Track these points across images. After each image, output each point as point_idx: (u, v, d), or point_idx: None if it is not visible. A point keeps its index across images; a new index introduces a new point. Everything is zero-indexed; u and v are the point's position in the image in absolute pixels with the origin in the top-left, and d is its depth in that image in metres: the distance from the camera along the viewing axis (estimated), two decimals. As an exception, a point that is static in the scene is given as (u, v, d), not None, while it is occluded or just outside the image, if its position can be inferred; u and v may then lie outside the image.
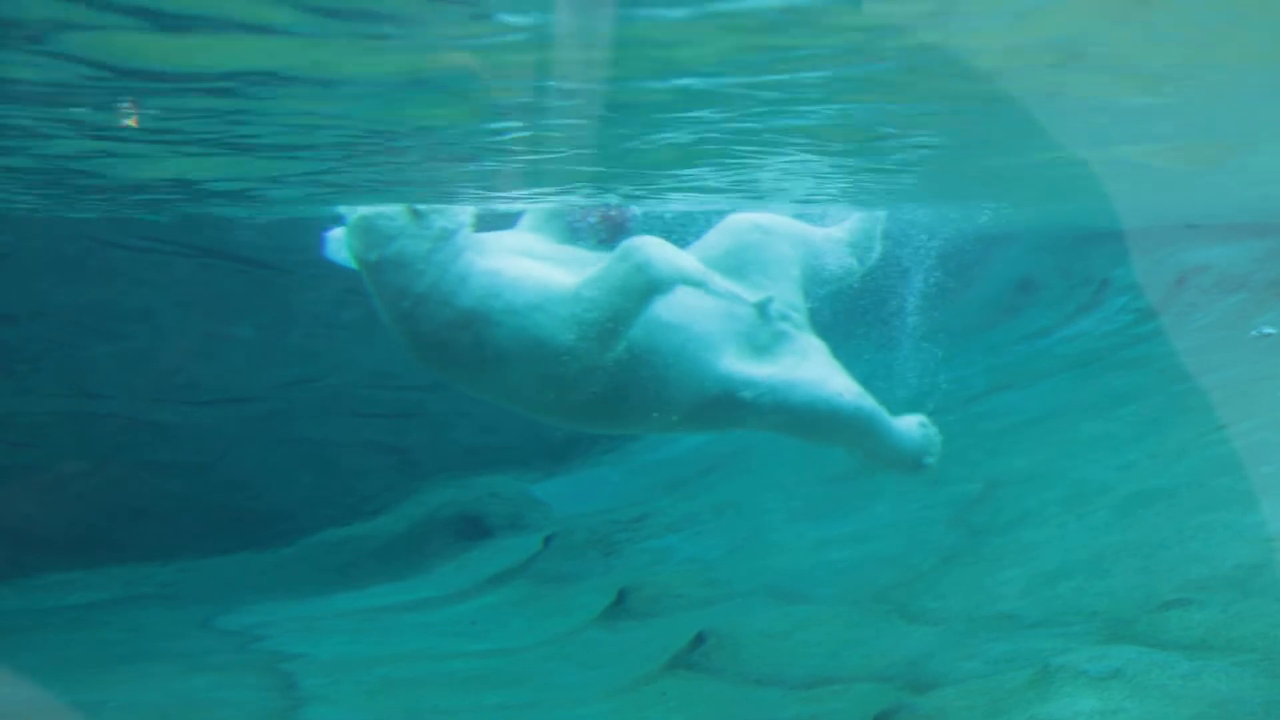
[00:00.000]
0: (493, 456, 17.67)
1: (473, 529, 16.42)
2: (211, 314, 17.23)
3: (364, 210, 7.56)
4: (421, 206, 7.54)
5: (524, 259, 7.64)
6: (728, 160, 8.14)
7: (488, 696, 10.27)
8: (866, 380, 8.49)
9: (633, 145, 7.27)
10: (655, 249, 7.43)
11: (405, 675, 11.08)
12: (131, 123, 6.26)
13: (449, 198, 9.09)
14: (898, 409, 8.72)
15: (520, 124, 6.48)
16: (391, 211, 7.51)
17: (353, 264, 7.78)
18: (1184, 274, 17.87)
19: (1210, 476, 11.00)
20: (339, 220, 7.75)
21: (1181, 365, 14.73)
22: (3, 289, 16.15)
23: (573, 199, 9.34)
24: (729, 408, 7.85)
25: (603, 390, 7.56)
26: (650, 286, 7.38)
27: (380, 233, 7.48)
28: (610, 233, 8.18)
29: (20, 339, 16.31)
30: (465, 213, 7.68)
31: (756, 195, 10.15)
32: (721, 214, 8.74)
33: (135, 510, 16.49)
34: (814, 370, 8.09)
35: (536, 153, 7.39)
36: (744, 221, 8.30)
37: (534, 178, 8.46)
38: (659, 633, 10.96)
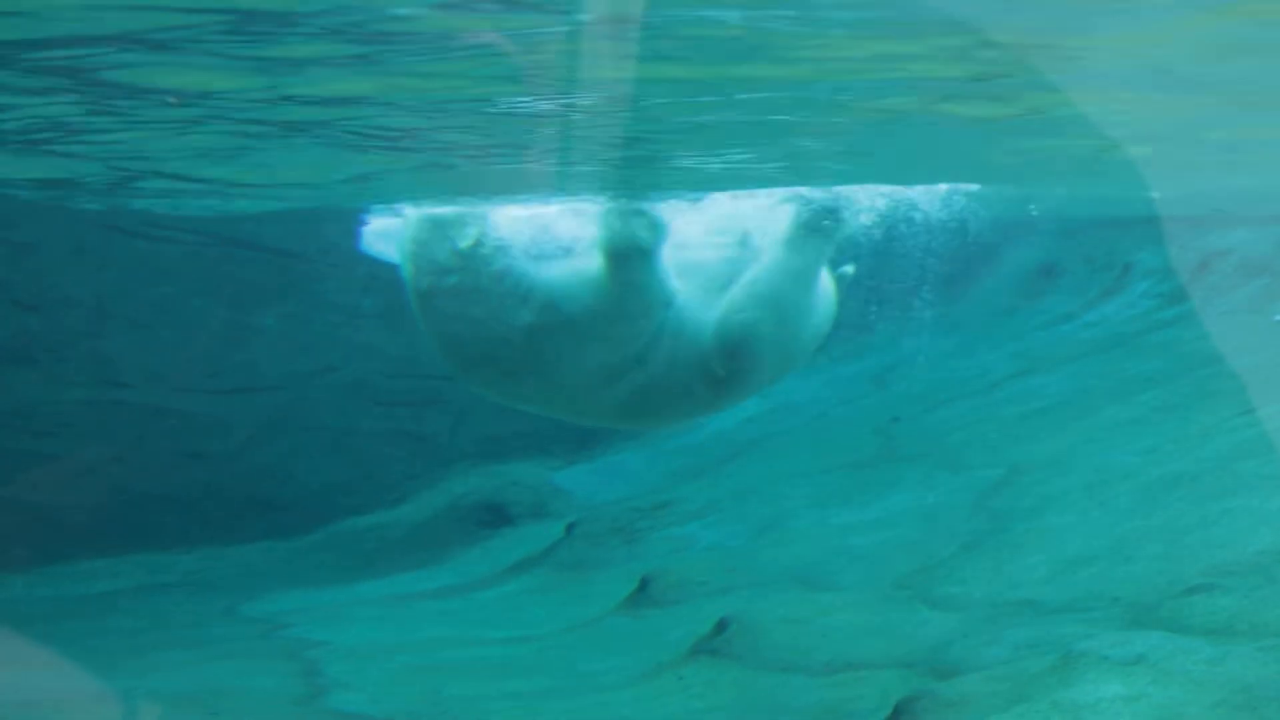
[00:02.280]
0: (515, 444, 17.69)
1: (495, 517, 16.46)
2: (234, 303, 17.28)
3: (417, 234, 7.51)
4: (476, 234, 7.45)
5: (575, 259, 7.61)
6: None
7: (510, 683, 10.30)
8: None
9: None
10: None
11: (428, 662, 11.12)
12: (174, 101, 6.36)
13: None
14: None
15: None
16: (448, 238, 7.43)
17: (391, 259, 7.80)
18: (1207, 259, 17.77)
19: (1234, 461, 10.95)
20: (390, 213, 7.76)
21: (1205, 350, 14.65)
22: (27, 279, 16.23)
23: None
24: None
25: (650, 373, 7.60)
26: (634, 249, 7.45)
27: (435, 264, 7.44)
28: None
29: (45, 328, 16.38)
30: (525, 228, 7.62)
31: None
32: None
33: (159, 498, 16.56)
34: None
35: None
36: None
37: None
38: (681, 620, 10.97)
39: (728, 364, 7.78)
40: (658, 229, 7.49)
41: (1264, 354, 13.69)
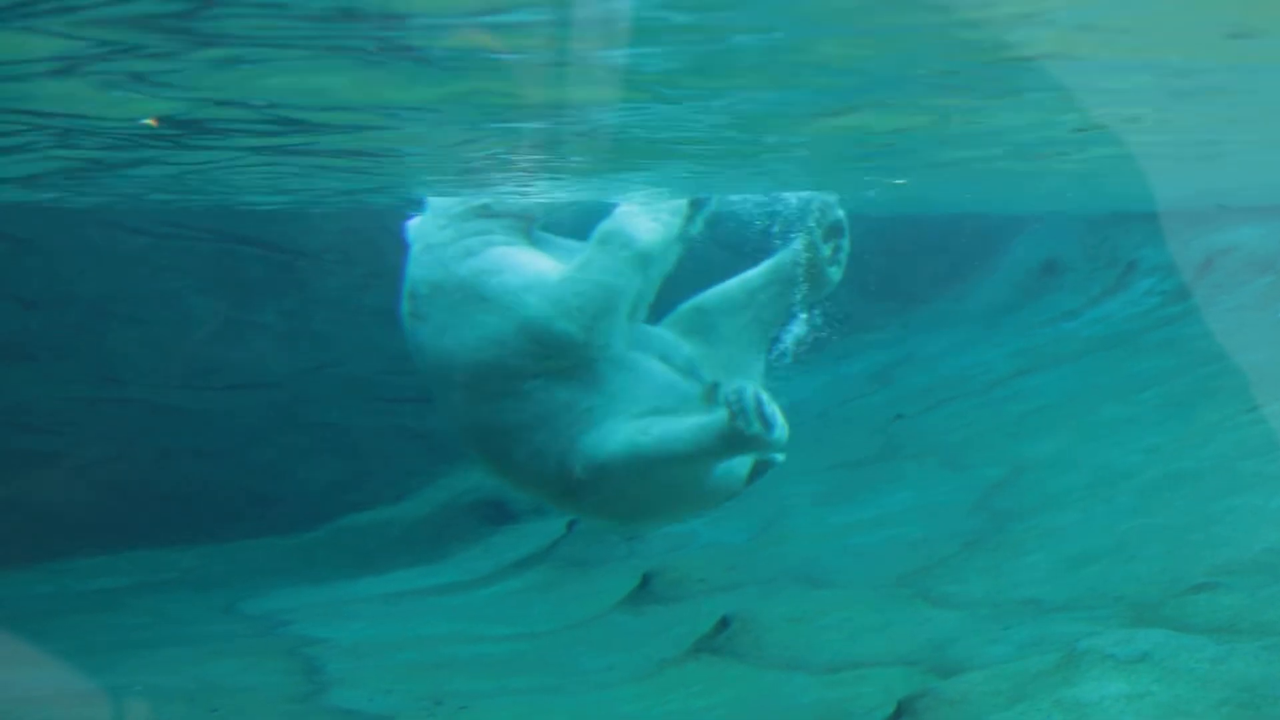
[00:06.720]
0: (516, 441, 17.64)
1: (496, 513, 16.42)
2: (235, 300, 17.27)
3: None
4: (476, 203, 7.45)
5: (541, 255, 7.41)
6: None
7: (512, 681, 10.27)
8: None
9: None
10: (634, 221, 7.14)
11: (429, 659, 11.09)
12: (151, 122, 6.35)
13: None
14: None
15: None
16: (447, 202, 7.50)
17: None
18: (1211, 255, 17.75)
19: (1237, 459, 10.93)
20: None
21: (1208, 347, 14.62)
22: (27, 276, 16.21)
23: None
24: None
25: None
26: (640, 259, 7.18)
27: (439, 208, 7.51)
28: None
29: (44, 326, 16.37)
30: (509, 212, 7.51)
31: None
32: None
33: (159, 495, 16.54)
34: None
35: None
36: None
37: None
38: (683, 617, 10.94)
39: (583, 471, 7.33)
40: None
41: (1268, 351, 13.66)
